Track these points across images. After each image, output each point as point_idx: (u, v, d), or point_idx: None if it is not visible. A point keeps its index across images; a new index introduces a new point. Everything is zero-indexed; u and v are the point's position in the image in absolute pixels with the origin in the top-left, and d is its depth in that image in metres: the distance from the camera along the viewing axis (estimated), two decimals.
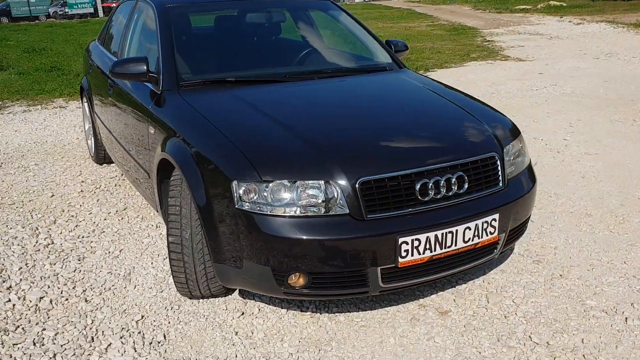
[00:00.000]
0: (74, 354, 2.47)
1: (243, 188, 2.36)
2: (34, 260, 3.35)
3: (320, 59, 3.65)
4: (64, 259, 3.36)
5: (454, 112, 2.98)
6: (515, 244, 3.28)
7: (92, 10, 39.30)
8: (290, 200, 2.35)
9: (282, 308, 2.77)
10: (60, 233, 3.73)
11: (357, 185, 2.35)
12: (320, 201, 2.35)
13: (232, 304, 2.81)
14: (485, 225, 2.52)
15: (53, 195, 4.41)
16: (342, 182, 2.35)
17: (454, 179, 2.48)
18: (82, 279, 3.13)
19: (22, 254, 3.44)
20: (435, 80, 3.57)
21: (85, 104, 5.10)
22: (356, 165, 2.40)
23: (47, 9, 42.08)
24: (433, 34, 16.91)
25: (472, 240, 2.50)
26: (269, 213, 2.34)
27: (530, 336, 2.51)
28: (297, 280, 2.38)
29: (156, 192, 3.06)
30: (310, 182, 2.35)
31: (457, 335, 2.54)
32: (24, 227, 3.82)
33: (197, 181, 2.52)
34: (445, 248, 2.44)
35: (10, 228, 3.82)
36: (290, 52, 3.73)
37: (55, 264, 3.29)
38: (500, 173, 2.65)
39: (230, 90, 3.06)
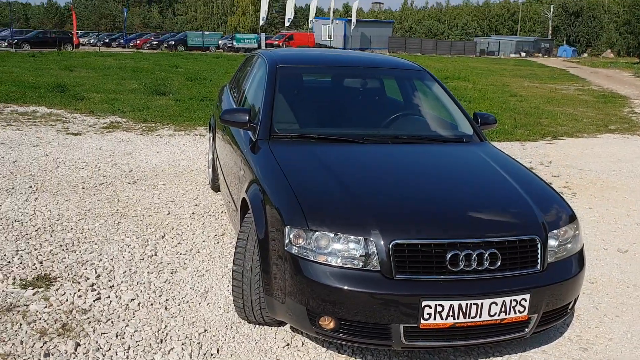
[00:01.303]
0: (143, 351, 2.97)
1: (294, 233, 2.74)
2: (137, 268, 3.96)
3: (401, 125, 3.96)
4: (160, 270, 3.93)
5: (508, 191, 3.14)
6: (567, 328, 3.31)
7: (256, 45, 42.52)
8: (331, 251, 2.68)
9: (322, 347, 3.08)
10: (164, 248, 4.34)
11: (390, 246, 2.62)
12: (358, 255, 2.66)
13: (281, 335, 3.17)
14: (514, 303, 2.66)
15: (169, 214, 5.10)
16: (378, 241, 2.64)
17: (486, 255, 2.66)
18: (169, 289, 3.67)
19: (130, 260, 4.07)
20: (511, 158, 3.71)
21: (210, 137, 5.82)
22: (392, 227, 2.68)
23: (217, 41, 46.27)
24: (578, 98, 16.34)
25: (499, 315, 2.65)
26: (311, 259, 2.68)
27: None
28: (328, 323, 2.69)
29: (239, 225, 3.53)
30: (350, 236, 2.66)
31: None
32: (137, 238, 4.49)
33: (261, 220, 2.94)
34: (468, 318, 2.62)
35: (127, 237, 4.51)
36: (375, 116, 4.08)
37: (152, 273, 3.88)
38: (539, 256, 2.77)
39: (310, 146, 3.48)
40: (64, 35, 41.23)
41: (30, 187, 5.71)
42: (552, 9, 74.99)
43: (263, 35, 41.52)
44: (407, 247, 2.64)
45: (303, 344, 3.10)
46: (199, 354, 2.97)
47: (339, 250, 2.67)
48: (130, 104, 11.59)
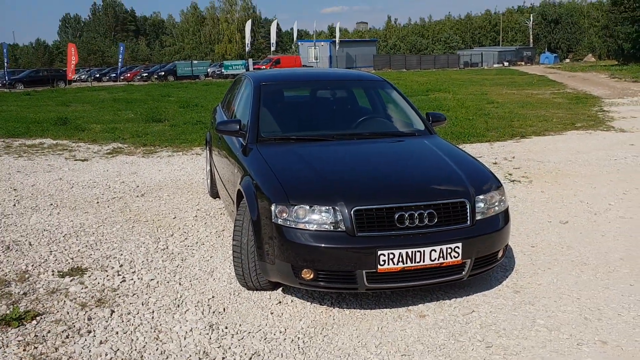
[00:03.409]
0: (165, 312, 3.74)
1: (278, 209, 3.54)
2: (153, 257, 4.74)
3: (365, 126, 4.79)
4: (172, 259, 4.72)
5: (445, 168, 3.97)
6: (506, 279, 4.12)
7: (244, 70, 43.60)
8: (308, 219, 3.48)
9: (306, 301, 3.86)
10: (174, 242, 5.13)
11: (352, 212, 3.43)
12: (329, 221, 3.47)
13: (274, 295, 3.95)
14: (449, 250, 3.46)
15: (175, 218, 5.89)
16: (342, 209, 3.45)
17: (425, 214, 3.47)
18: (181, 271, 4.44)
19: (146, 253, 4.86)
20: (453, 146, 4.54)
21: (207, 151, 6.65)
22: (353, 198, 3.49)
23: (206, 69, 47.38)
24: (552, 101, 17.28)
25: (438, 260, 3.45)
26: (293, 227, 3.49)
27: (476, 335, 3.36)
28: (309, 274, 3.48)
29: (235, 214, 4.33)
30: (322, 207, 3.47)
31: (423, 330, 3.46)
32: (150, 237, 5.28)
33: (253, 203, 3.75)
34: (414, 262, 3.42)
35: (142, 236, 5.30)
36: (344, 119, 4.94)
37: (165, 261, 4.66)
38: (468, 214, 3.59)
39: (290, 145, 4.31)
40: (56, 73, 42.26)
41: (51, 204, 6.50)
42: (531, 18, 76.87)
43: (251, 61, 42.71)
44: (364, 212, 3.45)
45: (292, 300, 3.88)
46: (209, 311, 3.75)
47: (313, 218, 3.48)
48: (130, 131, 12.43)
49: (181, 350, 3.26)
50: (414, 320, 3.59)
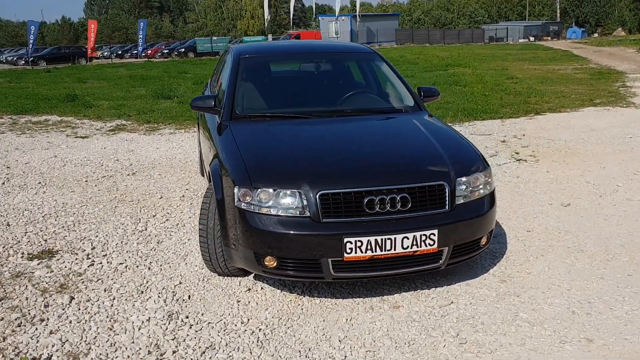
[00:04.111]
0: (126, 300, 3.55)
1: (241, 192, 3.30)
2: (128, 240, 4.56)
3: (348, 102, 4.48)
4: (148, 241, 4.53)
5: (426, 148, 3.67)
6: (494, 266, 3.84)
7: None
8: (272, 203, 3.24)
9: (277, 288, 3.64)
10: (154, 224, 4.94)
11: (317, 196, 3.17)
12: (293, 206, 3.22)
13: (244, 282, 3.73)
14: (423, 237, 3.19)
15: (162, 197, 5.70)
16: (307, 193, 3.19)
17: (398, 198, 3.20)
18: (154, 255, 4.25)
19: (122, 235, 4.68)
20: (442, 123, 4.22)
21: (198, 129, 6.42)
22: (319, 181, 3.23)
23: (226, 46, 46.93)
24: (573, 77, 16.65)
25: (411, 248, 3.19)
26: (256, 211, 3.25)
27: (451, 330, 3.11)
28: (271, 262, 3.25)
29: None
30: (286, 190, 3.22)
31: (395, 323, 3.21)
32: (131, 218, 5.10)
33: (218, 186, 3.52)
34: (384, 251, 3.16)
35: (122, 217, 5.12)
36: (327, 95, 4.64)
37: (140, 244, 4.47)
38: (447, 198, 3.30)
39: (265, 123, 4.05)
40: (77, 50, 42.41)
41: (40, 182, 6.36)
42: None
43: (270, 37, 42.18)
44: (331, 196, 3.19)
45: (262, 288, 3.66)
46: (172, 299, 3.55)
47: (277, 202, 3.23)
48: (136, 108, 12.27)
49: (132, 342, 3.07)
50: (387, 311, 3.34)
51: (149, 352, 2.97)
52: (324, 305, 3.43)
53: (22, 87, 18.86)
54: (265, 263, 3.27)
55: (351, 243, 3.13)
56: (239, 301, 3.52)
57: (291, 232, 3.16)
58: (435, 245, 3.23)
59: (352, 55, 5.08)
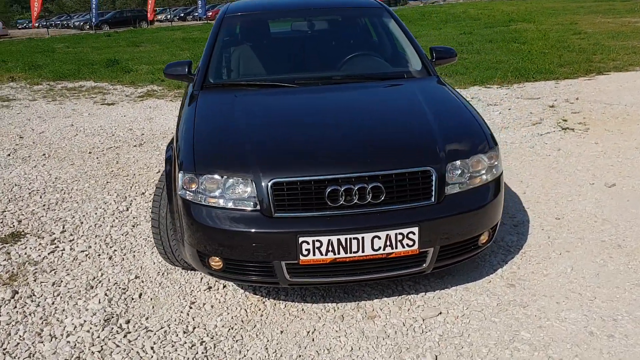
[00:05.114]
0: (70, 297, 3.14)
1: (186, 178, 2.77)
2: (104, 222, 4.16)
3: (341, 67, 3.79)
4: (123, 224, 4.11)
5: (416, 125, 2.99)
6: (505, 264, 3.18)
7: None
8: (218, 194, 2.69)
9: (240, 288, 3.12)
10: (139, 203, 4.52)
11: (269, 185, 2.60)
12: (243, 197, 2.66)
13: (206, 279, 3.24)
14: (399, 237, 2.57)
15: (159, 172, 5.27)
16: (258, 181, 2.62)
17: (369, 189, 2.58)
18: (123, 241, 3.83)
19: (101, 215, 4.28)
20: (450, 90, 3.49)
21: None
22: (272, 167, 2.64)
23: None
24: None
25: (384, 249, 2.57)
26: (201, 202, 2.71)
27: (427, 354, 2.50)
28: (217, 263, 2.72)
29: None
30: (235, 178, 2.66)
31: (363, 339, 2.63)
32: (118, 196, 4.69)
33: (169, 169, 3.01)
34: (350, 253, 2.56)
35: (109, 195, 4.73)
36: (318, 59, 3.95)
37: (114, 227, 4.06)
38: (433, 187, 2.65)
39: (238, 93, 3.45)
40: (139, 13, 42.75)
41: (44, 154, 6.08)
42: None
43: None
44: (286, 185, 2.60)
45: (224, 286, 3.16)
46: (120, 298, 3.11)
47: (225, 192, 2.68)
48: None
49: (53, 353, 2.65)
50: (359, 322, 2.77)
51: None
52: (289, 312, 2.89)
53: (76, 53, 18.97)
54: (211, 264, 2.74)
55: (308, 243, 2.55)
56: (193, 303, 3.03)
57: (237, 229, 2.61)
58: (416, 246, 2.61)
59: (355, 11, 4.34)
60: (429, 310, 2.81)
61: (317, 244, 2.54)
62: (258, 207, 2.62)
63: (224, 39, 3.93)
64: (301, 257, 2.57)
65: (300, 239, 2.54)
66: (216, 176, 2.70)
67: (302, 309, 2.91)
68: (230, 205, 2.66)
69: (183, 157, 2.85)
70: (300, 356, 2.55)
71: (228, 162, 2.74)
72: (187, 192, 2.76)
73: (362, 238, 2.55)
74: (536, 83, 8.51)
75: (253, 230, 2.59)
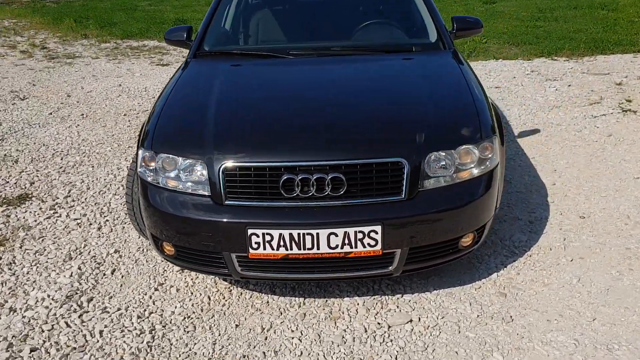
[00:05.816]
0: (46, 267, 3.09)
1: (145, 155, 2.61)
2: (109, 189, 4.10)
3: (345, 37, 3.47)
4: (115, 192, 4.03)
5: (400, 109, 2.65)
6: (503, 268, 2.83)
7: None
8: (173, 175, 2.51)
9: (213, 274, 2.95)
10: None
11: (220, 170, 2.38)
12: (195, 180, 2.47)
13: None
14: (359, 235, 2.30)
15: None
16: (210, 164, 2.41)
17: (328, 180, 2.31)
18: (118, 210, 3.76)
19: (110, 181, 4.22)
20: (462, 67, 3.09)
21: None
22: (226, 150, 2.43)
23: None
24: None
25: (341, 248, 2.31)
26: (157, 183, 2.55)
27: None
28: (169, 249, 2.57)
29: None
30: (189, 160, 2.47)
31: (314, 345, 2.41)
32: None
33: (138, 144, 2.86)
34: (303, 249, 2.32)
35: (125, 160, 4.68)
36: (319, 28, 3.64)
37: (116, 195, 3.99)
38: (404, 181, 2.34)
39: (221, 63, 3.24)
40: None
41: (82, 114, 6.15)
42: None
43: None
44: (239, 170, 2.38)
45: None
46: (91, 273, 3.03)
47: (180, 174, 2.50)
48: None
49: (6, 327, 2.60)
50: (319, 323, 2.54)
51: (10, 345, 2.48)
52: (252, 304, 2.70)
53: (155, 11, 19.23)
54: (165, 249, 2.59)
55: (257, 236, 2.33)
56: (161, 284, 2.91)
57: (185, 215, 2.43)
58: (379, 247, 2.33)
59: None
60: (399, 317, 2.53)
61: (268, 238, 2.32)
62: (208, 192, 2.42)
63: (225, 4, 3.69)
64: (251, 251, 2.36)
65: (250, 231, 2.32)
66: (171, 155, 2.51)
67: (267, 302, 2.71)
68: (185, 188, 2.48)
69: (145, 133, 2.69)
70: (245, 356, 2.37)
71: (184, 142, 2.56)
72: (147, 170, 2.60)
73: (317, 234, 2.30)
74: (611, 56, 7.69)
75: (201, 217, 2.40)
